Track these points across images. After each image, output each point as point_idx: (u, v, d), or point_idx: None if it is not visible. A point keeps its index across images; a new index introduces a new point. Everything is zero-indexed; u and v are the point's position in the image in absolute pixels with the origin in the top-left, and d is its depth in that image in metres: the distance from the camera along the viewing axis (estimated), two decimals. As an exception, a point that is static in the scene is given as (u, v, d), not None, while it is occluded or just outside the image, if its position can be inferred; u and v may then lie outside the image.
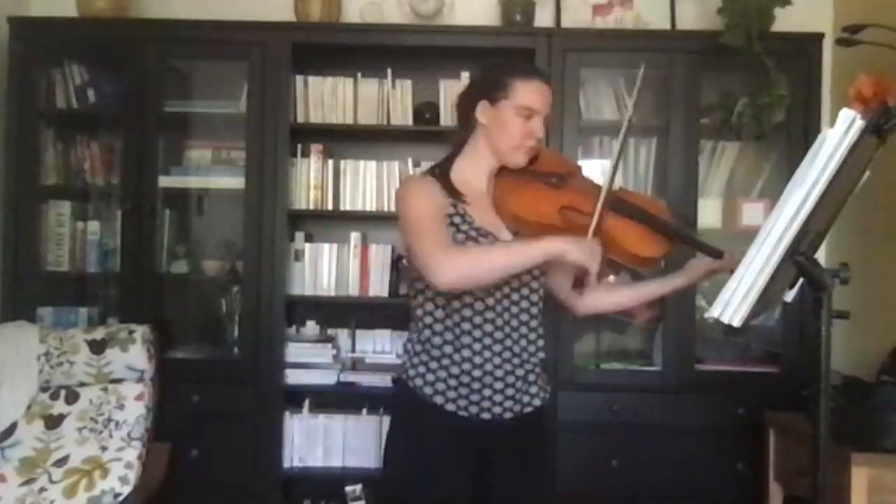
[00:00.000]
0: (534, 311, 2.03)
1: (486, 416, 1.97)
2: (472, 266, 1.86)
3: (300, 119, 3.33)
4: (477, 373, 1.95)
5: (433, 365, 1.97)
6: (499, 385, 1.97)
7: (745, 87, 3.13)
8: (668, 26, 3.44)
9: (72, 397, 2.87)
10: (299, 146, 3.36)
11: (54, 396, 2.87)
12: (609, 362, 3.31)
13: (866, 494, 2.32)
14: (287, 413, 3.29)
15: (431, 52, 3.30)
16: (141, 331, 2.94)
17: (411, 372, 2.00)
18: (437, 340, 1.97)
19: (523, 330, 2.00)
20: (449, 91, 3.34)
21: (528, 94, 1.97)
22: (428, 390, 1.97)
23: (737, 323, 1.46)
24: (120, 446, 2.78)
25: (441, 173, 2.03)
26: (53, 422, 2.82)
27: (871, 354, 2.92)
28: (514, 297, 1.99)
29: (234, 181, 3.32)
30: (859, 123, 1.43)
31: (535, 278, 2.03)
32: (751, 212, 3.25)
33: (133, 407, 2.85)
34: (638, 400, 3.17)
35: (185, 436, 3.09)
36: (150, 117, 3.27)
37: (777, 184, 3.22)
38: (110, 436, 2.80)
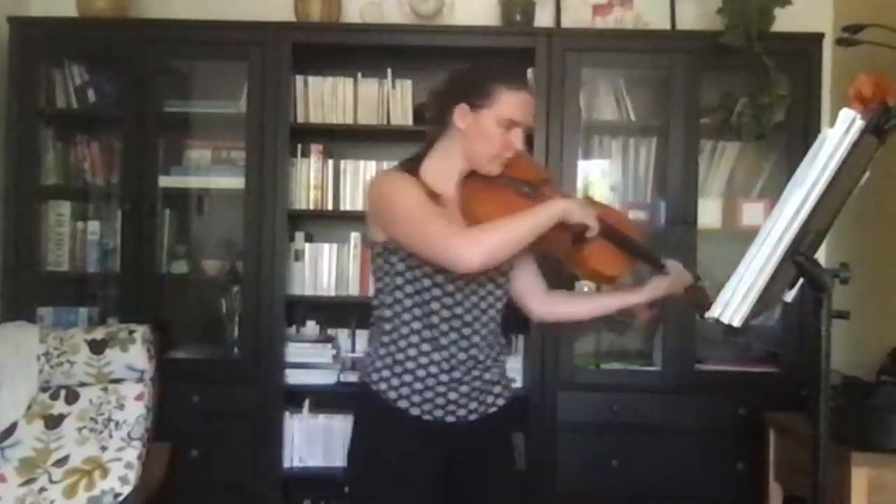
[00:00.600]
0: (493, 312, 1.98)
1: (450, 419, 1.93)
2: (499, 239, 1.78)
3: (300, 119, 3.33)
4: (444, 377, 1.91)
5: (398, 369, 1.92)
6: (464, 388, 1.93)
7: (745, 87, 3.13)
8: (668, 26, 3.44)
9: (72, 397, 2.87)
10: (299, 146, 3.36)
11: (54, 396, 2.87)
12: (609, 362, 3.31)
13: (866, 494, 2.32)
14: (287, 413, 3.28)
15: (431, 52, 3.29)
16: (141, 331, 2.94)
17: (374, 376, 1.94)
18: (403, 343, 1.92)
19: (485, 332, 1.96)
20: (449, 91, 3.34)
21: (513, 106, 1.87)
22: (392, 395, 1.92)
23: (737, 323, 1.46)
24: (120, 446, 2.79)
25: (411, 172, 1.92)
26: (53, 422, 2.82)
27: (871, 354, 2.92)
28: (481, 303, 1.95)
29: (234, 181, 3.32)
30: (859, 123, 1.43)
31: (499, 286, 1.99)
32: (751, 212, 3.25)
33: (133, 407, 2.86)
34: (638, 400, 3.17)
35: (185, 436, 3.09)
36: (150, 117, 3.28)
37: (777, 184, 3.22)
38: (110, 436, 2.80)
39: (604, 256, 1.95)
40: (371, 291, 3.32)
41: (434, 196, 1.88)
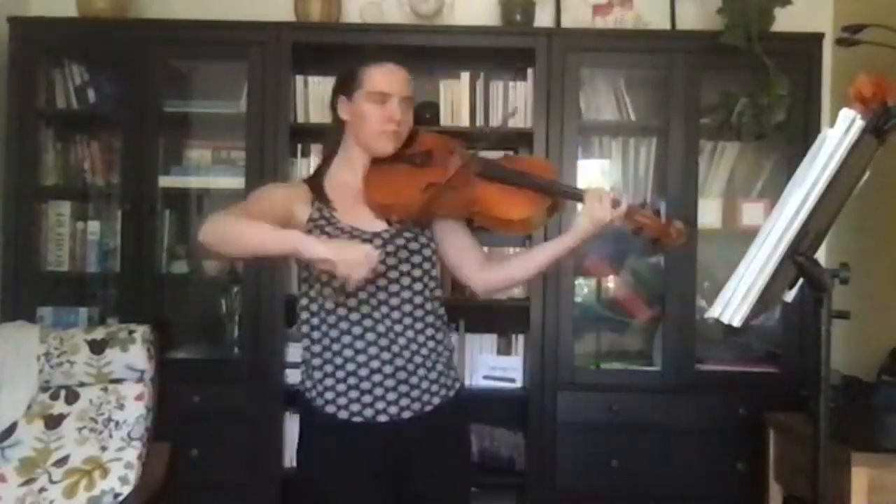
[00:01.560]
0: (418, 300, 1.93)
1: (382, 418, 1.89)
2: (224, 232, 1.79)
3: (300, 119, 3.33)
4: (363, 372, 1.88)
5: (318, 373, 1.91)
6: (390, 383, 1.89)
7: (745, 87, 3.14)
8: (668, 26, 3.44)
9: (72, 397, 2.86)
10: (299, 146, 3.36)
11: (54, 396, 2.87)
12: (609, 362, 3.31)
13: (866, 494, 2.32)
14: (287, 413, 3.29)
15: (431, 52, 3.29)
16: (141, 331, 2.94)
17: (307, 383, 1.95)
18: (316, 348, 1.92)
19: (407, 321, 1.91)
20: (449, 91, 3.34)
21: (376, 78, 1.94)
22: (319, 401, 1.91)
23: (737, 323, 1.46)
24: (120, 446, 2.78)
25: (314, 179, 2.01)
26: (53, 422, 2.82)
27: (871, 354, 2.92)
28: (392, 287, 1.91)
29: (234, 181, 3.32)
30: (859, 123, 1.43)
31: (415, 266, 1.94)
32: (751, 212, 3.25)
33: (133, 407, 2.85)
34: (638, 400, 3.17)
35: (185, 436, 3.09)
36: (150, 117, 3.28)
37: (777, 184, 3.22)
38: (110, 436, 2.80)
39: (501, 200, 1.91)
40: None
41: (324, 200, 1.95)
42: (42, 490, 2.68)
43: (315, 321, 1.93)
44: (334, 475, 1.90)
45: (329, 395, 1.90)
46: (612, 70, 3.35)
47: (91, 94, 3.36)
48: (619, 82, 3.35)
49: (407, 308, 1.92)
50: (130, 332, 2.92)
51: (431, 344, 1.96)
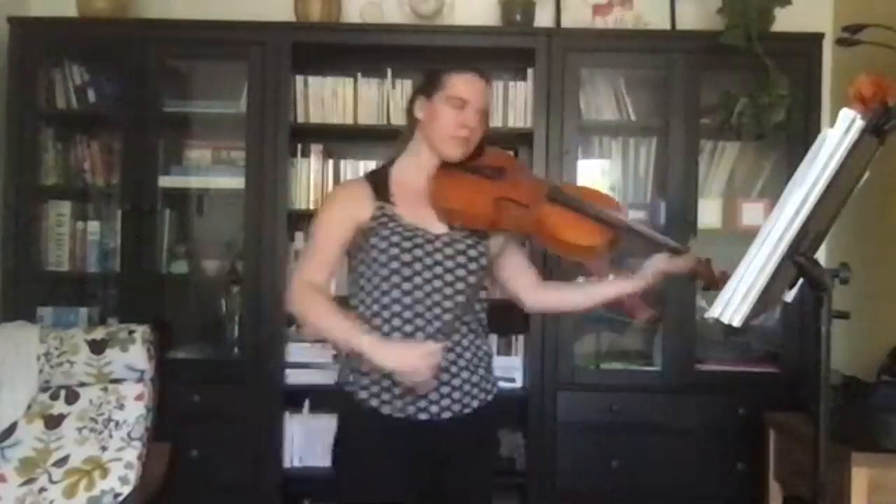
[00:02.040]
0: (468, 305, 1.99)
1: (422, 416, 1.95)
2: (304, 312, 1.96)
3: (300, 119, 3.33)
4: None
5: (364, 368, 1.96)
6: (433, 383, 1.93)
7: (745, 87, 3.13)
8: (668, 26, 3.44)
9: (72, 397, 2.87)
10: (299, 146, 3.36)
11: (54, 396, 2.87)
12: (609, 362, 3.31)
13: (866, 494, 2.32)
14: (287, 413, 3.28)
15: (431, 52, 3.29)
16: (141, 331, 2.94)
17: (350, 377, 2.00)
18: None
19: (455, 325, 1.96)
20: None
21: (458, 84, 2.01)
22: (363, 394, 1.96)
23: (737, 323, 1.46)
24: (120, 446, 2.79)
25: (377, 175, 2.07)
26: (53, 422, 2.82)
27: (871, 354, 2.92)
28: (446, 290, 1.96)
29: (234, 181, 3.32)
30: (859, 123, 1.43)
31: (470, 272, 1.99)
32: (751, 212, 3.25)
33: (133, 407, 2.86)
34: (638, 400, 3.17)
35: (185, 436, 3.09)
36: (150, 117, 3.27)
37: (777, 184, 3.22)
38: (110, 436, 2.80)
39: (570, 225, 1.99)
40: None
41: (386, 196, 2.01)
42: (42, 490, 2.68)
43: (367, 315, 1.98)
44: (372, 467, 1.95)
45: (374, 389, 1.96)
46: (612, 70, 3.35)
47: (91, 94, 3.36)
48: (619, 82, 3.35)
49: (457, 312, 1.97)
50: (130, 332, 2.93)
51: (474, 348, 2.02)
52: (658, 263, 2.02)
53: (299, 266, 2.03)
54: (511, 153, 2.23)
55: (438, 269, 1.95)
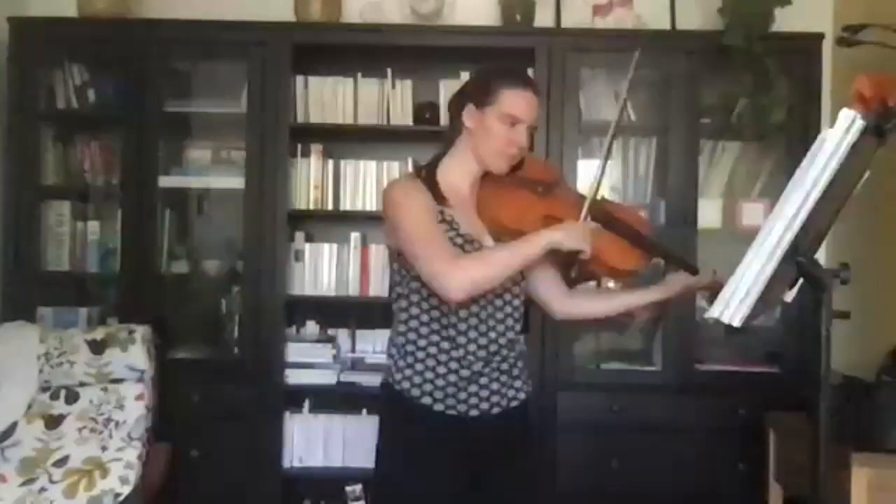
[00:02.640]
0: (516, 303, 2.03)
1: (474, 412, 1.98)
2: (485, 271, 1.87)
3: (300, 119, 3.33)
4: (464, 372, 1.95)
5: (419, 367, 1.96)
6: (484, 381, 1.97)
7: (745, 87, 3.13)
8: (668, 26, 3.44)
9: (72, 397, 2.87)
10: (299, 146, 3.36)
11: (54, 396, 2.87)
12: (609, 362, 3.31)
13: (866, 494, 2.32)
14: (287, 413, 3.29)
15: (431, 52, 3.30)
16: (141, 331, 2.94)
17: (397, 375, 1.99)
18: (422, 342, 1.97)
19: (508, 324, 2.00)
20: (449, 91, 3.33)
21: (513, 102, 1.96)
22: (415, 392, 1.96)
23: (737, 323, 1.46)
24: (120, 446, 2.78)
25: (428, 175, 2.02)
26: (53, 422, 2.82)
27: (871, 354, 2.92)
28: (505, 296, 2.01)
29: (234, 181, 3.32)
30: (859, 123, 1.43)
31: (516, 283, 2.03)
32: (751, 212, 3.25)
33: (133, 407, 2.85)
34: (638, 400, 3.17)
35: (185, 436, 3.09)
36: (150, 117, 3.28)
37: (777, 184, 3.22)
38: (110, 436, 2.80)
39: (614, 248, 2.00)
40: (373, 290, 3.38)
41: (442, 199, 1.96)
42: (42, 490, 2.68)
43: (415, 311, 1.98)
44: (421, 463, 1.95)
45: (427, 387, 1.96)
46: (612, 70, 3.35)
47: (91, 94, 3.36)
48: (619, 82, 3.35)
49: (509, 321, 2.01)
50: (130, 332, 2.92)
51: (519, 347, 2.06)
52: (684, 279, 2.09)
53: (426, 258, 1.87)
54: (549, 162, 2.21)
55: (498, 288, 1.97)
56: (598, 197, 2.05)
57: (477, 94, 1.99)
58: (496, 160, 1.99)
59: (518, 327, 2.05)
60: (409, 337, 1.99)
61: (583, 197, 2.02)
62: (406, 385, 1.97)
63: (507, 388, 2.02)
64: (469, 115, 1.99)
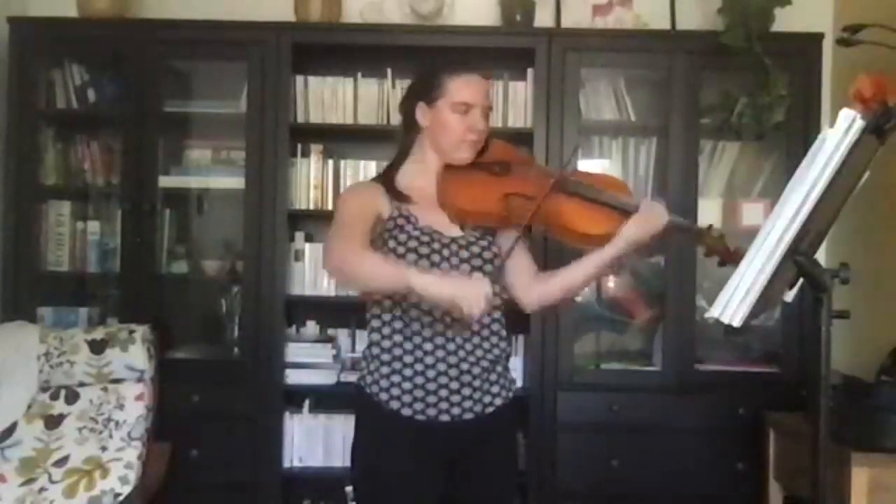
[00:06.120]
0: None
1: (444, 417, 1.94)
2: (354, 269, 1.85)
3: (300, 119, 3.33)
4: (431, 373, 1.92)
5: (385, 370, 1.95)
6: (455, 385, 1.93)
7: (745, 87, 3.13)
8: (668, 26, 3.44)
9: (72, 397, 2.86)
10: (299, 146, 3.37)
11: (54, 396, 2.87)
12: (609, 362, 3.31)
13: (866, 494, 2.32)
14: (287, 413, 3.29)
15: (431, 52, 3.29)
16: (141, 331, 2.94)
17: (368, 378, 1.98)
18: (386, 344, 1.95)
19: (476, 327, 1.95)
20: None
21: (461, 89, 1.96)
22: (383, 396, 1.94)
23: (737, 323, 1.46)
24: (120, 446, 2.78)
25: (385, 177, 2.02)
26: (53, 422, 2.82)
27: (871, 354, 2.92)
28: None
29: (234, 181, 3.32)
30: (859, 123, 1.43)
31: (487, 274, 1.95)
32: (751, 212, 3.25)
33: (133, 407, 2.85)
34: (638, 400, 3.17)
35: (185, 436, 3.09)
36: (150, 117, 3.28)
37: (777, 184, 3.22)
38: (110, 436, 2.80)
39: (581, 214, 1.98)
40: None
41: (404, 198, 1.98)
42: (42, 490, 2.68)
43: (386, 317, 1.96)
44: (392, 468, 1.94)
45: (394, 392, 1.94)
46: (612, 70, 3.35)
47: (91, 94, 3.37)
48: (619, 82, 3.35)
49: (476, 327, 1.96)
50: (130, 332, 2.92)
51: (497, 350, 2.01)
52: (632, 226, 1.96)
53: (330, 237, 1.91)
54: (515, 145, 2.19)
55: (455, 273, 1.93)
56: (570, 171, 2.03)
57: (425, 91, 1.99)
58: (458, 151, 1.99)
59: (491, 334, 1.99)
60: (376, 341, 1.98)
61: (546, 172, 2.00)
62: (375, 389, 1.96)
63: (482, 393, 1.97)
64: (422, 114, 1.99)
